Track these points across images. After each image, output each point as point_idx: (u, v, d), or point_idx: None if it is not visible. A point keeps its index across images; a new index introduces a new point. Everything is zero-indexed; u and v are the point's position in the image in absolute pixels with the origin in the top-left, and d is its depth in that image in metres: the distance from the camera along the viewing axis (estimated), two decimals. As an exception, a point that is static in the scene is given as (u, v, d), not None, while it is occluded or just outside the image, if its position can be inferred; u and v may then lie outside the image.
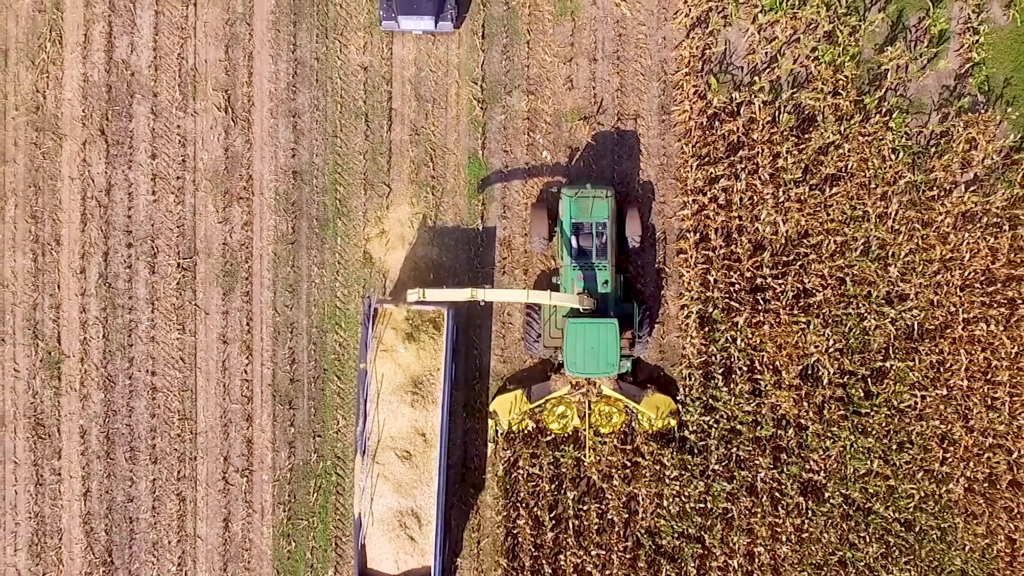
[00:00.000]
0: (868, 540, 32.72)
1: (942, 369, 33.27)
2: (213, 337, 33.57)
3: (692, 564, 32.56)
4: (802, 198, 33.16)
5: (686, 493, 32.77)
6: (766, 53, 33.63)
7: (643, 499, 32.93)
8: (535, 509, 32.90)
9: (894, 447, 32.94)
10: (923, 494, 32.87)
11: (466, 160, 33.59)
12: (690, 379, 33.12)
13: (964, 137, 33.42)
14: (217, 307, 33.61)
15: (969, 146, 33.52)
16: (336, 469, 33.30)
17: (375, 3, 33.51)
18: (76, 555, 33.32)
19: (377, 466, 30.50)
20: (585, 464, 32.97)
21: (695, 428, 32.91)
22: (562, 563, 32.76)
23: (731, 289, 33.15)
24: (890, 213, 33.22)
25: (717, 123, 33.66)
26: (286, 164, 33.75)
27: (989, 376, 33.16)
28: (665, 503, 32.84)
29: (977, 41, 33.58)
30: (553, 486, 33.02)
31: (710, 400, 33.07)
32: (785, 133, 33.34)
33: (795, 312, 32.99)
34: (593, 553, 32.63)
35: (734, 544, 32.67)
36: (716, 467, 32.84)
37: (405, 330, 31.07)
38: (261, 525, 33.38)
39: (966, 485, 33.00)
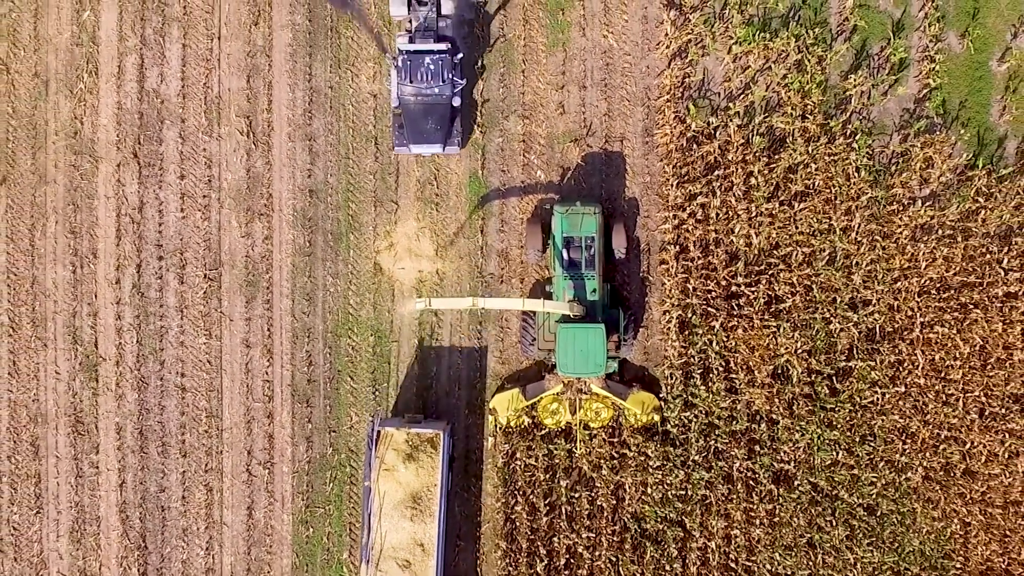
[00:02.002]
0: (834, 524, 33.44)
1: (901, 368, 33.73)
2: (237, 341, 34.20)
3: (674, 546, 33.40)
4: (773, 213, 33.64)
5: (668, 481, 33.44)
6: (740, 81, 34.03)
7: (629, 487, 33.55)
8: (531, 497, 33.62)
9: (857, 439, 33.56)
10: (884, 482, 33.54)
11: (467, 179, 34.24)
12: (672, 378, 33.64)
13: (922, 156, 33.80)
14: (240, 314, 34.24)
15: (926, 164, 33.94)
16: (350, 462, 33.99)
17: (388, 37, 33.91)
18: (113, 541, 34.18)
19: (380, 574, 31.50)
20: (576, 456, 33.61)
21: (676, 423, 33.51)
22: (556, 545, 33.55)
23: (708, 296, 33.68)
24: (853, 226, 33.56)
25: (696, 145, 33.96)
26: (303, 183, 34.25)
27: (944, 375, 33.68)
28: (649, 491, 33.47)
29: (934, 68, 33.88)
30: (547, 476, 33.70)
31: (690, 397, 33.61)
32: (757, 154, 33.71)
33: (766, 317, 33.54)
34: (584, 536, 33.47)
35: (712, 528, 33.46)
36: (696, 458, 33.44)
37: (405, 451, 31.70)
38: (282, 513, 34.13)
39: (923, 474, 33.65)
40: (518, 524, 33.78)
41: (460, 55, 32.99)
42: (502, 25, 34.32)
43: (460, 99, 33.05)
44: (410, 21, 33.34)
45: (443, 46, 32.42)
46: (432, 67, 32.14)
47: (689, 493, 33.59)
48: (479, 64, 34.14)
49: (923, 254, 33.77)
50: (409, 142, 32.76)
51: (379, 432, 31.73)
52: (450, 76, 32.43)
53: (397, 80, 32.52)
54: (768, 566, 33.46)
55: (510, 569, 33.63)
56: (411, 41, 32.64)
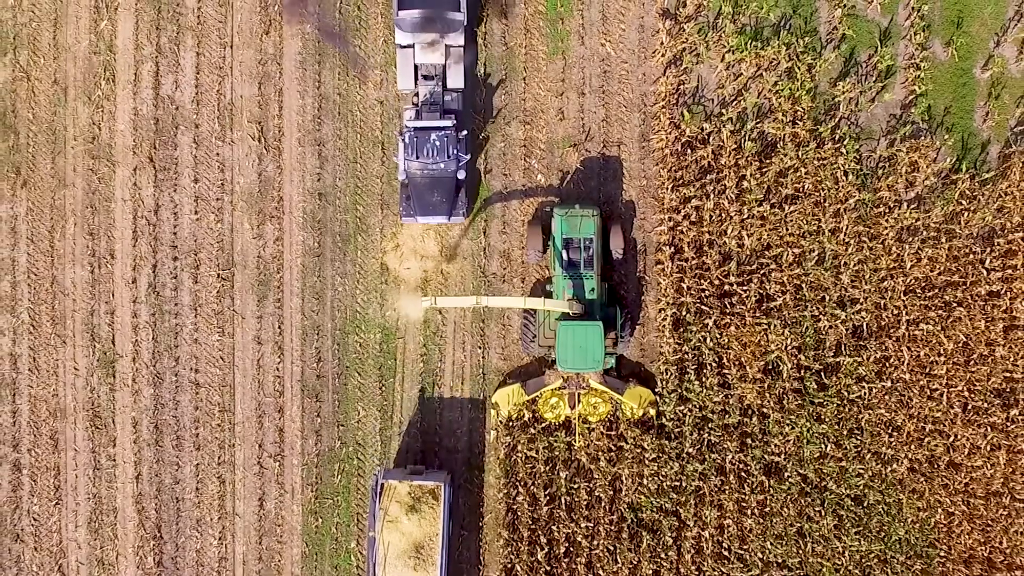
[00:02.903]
0: (823, 514, 33.79)
1: (887, 364, 33.98)
2: (249, 339, 34.62)
3: (669, 535, 33.81)
4: (764, 215, 33.99)
5: (664, 473, 33.82)
6: (733, 87, 34.34)
7: (626, 478, 33.91)
8: (532, 488, 34.04)
9: (845, 432, 33.86)
10: (871, 474, 33.87)
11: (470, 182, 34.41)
12: (667, 374, 33.94)
13: (907, 161, 34.08)
14: (252, 312, 34.65)
15: (912, 168, 34.22)
16: (357, 454, 34.41)
17: (390, 45, 34.27)
18: (129, 531, 34.57)
19: None
20: (575, 448, 34.03)
21: (671, 416, 33.83)
22: (556, 534, 33.97)
23: (702, 295, 34.04)
24: (842, 228, 33.89)
25: (690, 150, 34.27)
26: (312, 187, 34.61)
27: (928, 370, 34.01)
28: (645, 482, 33.82)
29: (920, 75, 34.13)
30: (548, 468, 34.12)
31: (684, 392, 33.90)
32: (749, 158, 34.01)
33: (758, 315, 33.92)
34: (583, 525, 33.89)
35: (706, 517, 33.84)
36: (690, 450, 33.79)
37: (407, 502, 32.23)
38: (292, 504, 34.52)
39: (909, 465, 33.93)
40: (519, 514, 34.13)
41: (464, 132, 33.10)
42: (504, 34, 34.74)
43: (464, 172, 33.23)
44: (416, 95, 33.51)
45: (448, 123, 32.53)
46: (438, 143, 32.18)
47: (683, 484, 33.90)
48: (482, 72, 34.54)
49: (908, 254, 34.06)
50: (416, 213, 33.09)
51: (383, 485, 32.15)
52: (455, 152, 32.47)
53: (404, 155, 32.62)
54: (760, 554, 33.87)
55: (512, 557, 34.02)
56: (418, 116, 32.93)
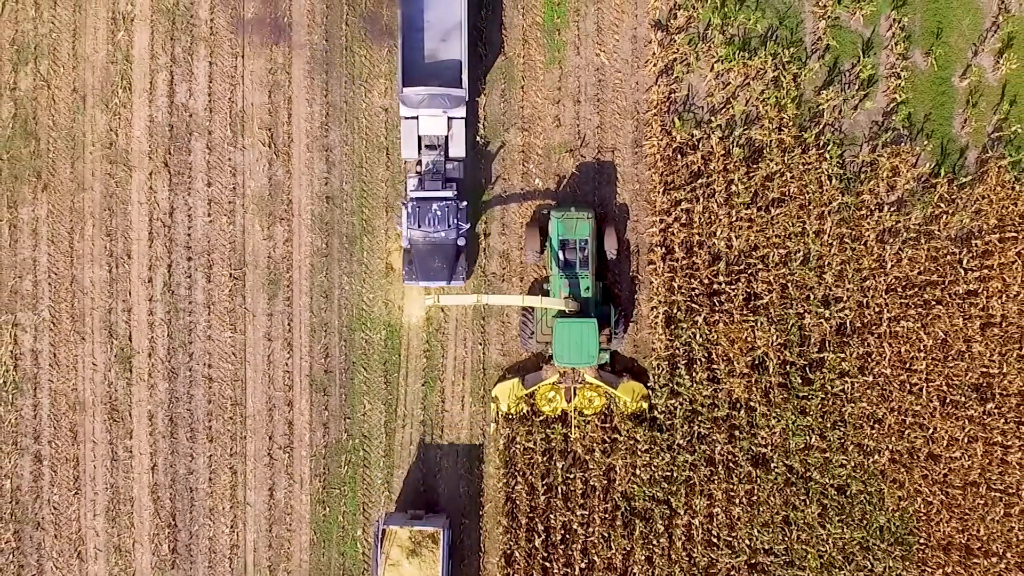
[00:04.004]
0: (807, 502, 34.04)
1: (869, 360, 34.18)
2: (260, 335, 34.93)
3: (661, 523, 34.07)
4: (751, 217, 34.31)
5: (655, 464, 34.06)
6: (722, 96, 34.70)
7: (620, 469, 34.12)
8: (530, 477, 34.35)
9: (829, 425, 34.10)
10: (853, 464, 34.05)
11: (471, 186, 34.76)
12: (659, 369, 34.22)
13: (889, 165, 34.40)
14: (263, 310, 34.96)
15: (893, 173, 34.51)
16: (363, 446, 34.75)
17: (394, 54, 34.45)
18: (145, 519, 34.84)
19: None
20: (571, 440, 34.28)
21: (663, 409, 34.12)
22: (552, 522, 34.24)
23: (692, 293, 34.31)
24: (825, 230, 34.20)
25: (681, 155, 34.52)
26: (320, 190, 34.94)
27: (909, 365, 34.24)
28: (638, 472, 34.05)
29: (900, 84, 34.50)
30: (545, 458, 34.37)
31: (675, 386, 34.19)
32: (737, 163, 34.29)
33: (745, 312, 34.21)
34: (578, 514, 34.19)
35: (696, 506, 34.13)
36: (680, 442, 34.06)
37: (408, 547, 32.63)
38: (301, 493, 34.83)
39: (890, 457, 34.17)
40: (518, 503, 34.44)
41: (465, 203, 33.48)
42: (503, 44, 35.26)
43: (465, 239, 33.58)
44: (419, 163, 34.00)
45: (449, 193, 33.07)
46: (439, 213, 32.70)
47: (675, 474, 34.19)
48: (483, 81, 34.97)
49: (889, 255, 34.44)
50: (418, 278, 33.49)
51: (384, 530, 32.57)
52: (455, 221, 32.95)
53: (407, 223, 33.15)
54: (747, 541, 34.13)
55: (511, 544, 34.30)
56: (420, 184, 33.44)
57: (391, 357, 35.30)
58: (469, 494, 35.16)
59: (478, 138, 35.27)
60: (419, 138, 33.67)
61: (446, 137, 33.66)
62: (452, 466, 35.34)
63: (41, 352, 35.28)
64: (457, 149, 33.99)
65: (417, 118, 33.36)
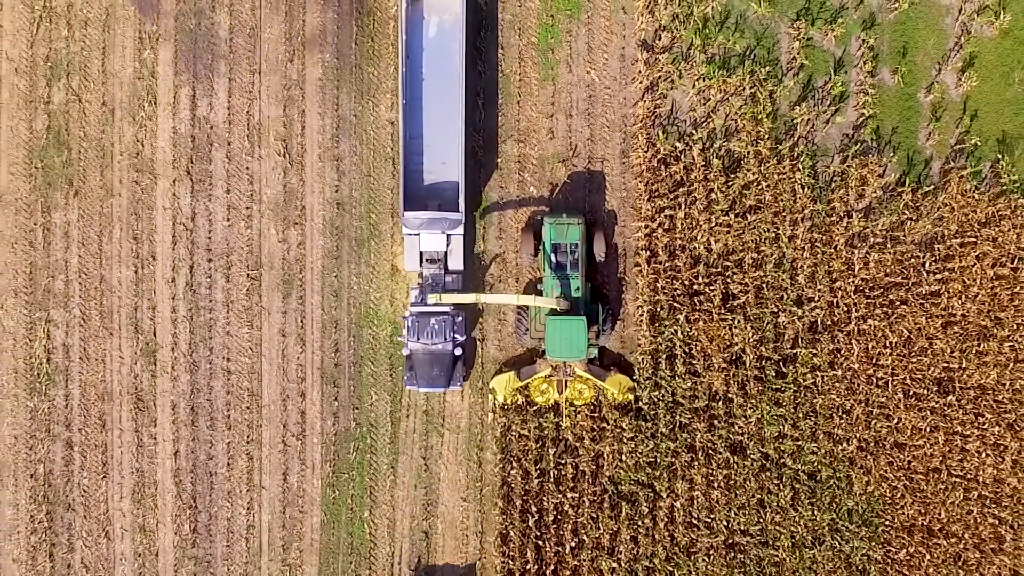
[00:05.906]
0: (781, 487, 34.60)
1: (839, 355, 34.74)
2: (275, 331, 35.43)
3: (645, 505, 34.60)
4: (729, 223, 34.80)
5: (640, 450, 34.60)
6: (703, 111, 35.23)
7: (607, 455, 34.66)
8: (524, 463, 34.86)
9: (801, 415, 34.68)
10: (824, 452, 34.65)
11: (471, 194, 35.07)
12: (643, 363, 34.73)
13: (857, 175, 34.94)
14: (278, 308, 35.49)
15: (861, 182, 35.07)
16: (370, 434, 35.20)
17: (400, 72, 34.18)
18: (168, 501, 35.50)
19: None
20: (563, 428, 34.87)
21: (647, 401, 34.65)
22: (545, 504, 34.82)
23: (674, 293, 34.81)
24: (798, 235, 34.78)
25: (664, 165, 35.02)
26: (331, 197, 35.44)
27: (875, 360, 34.84)
28: (624, 458, 34.54)
29: (869, 99, 35.08)
30: (538, 445, 34.91)
31: (659, 379, 34.71)
32: (717, 173, 34.79)
33: (723, 311, 34.76)
34: (569, 496, 34.79)
35: (678, 490, 34.66)
36: (664, 430, 34.58)
37: None
38: (312, 478, 35.34)
39: (858, 445, 34.76)
40: (513, 486, 34.98)
41: (461, 317, 34.13)
42: (500, 62, 35.90)
43: (462, 349, 34.24)
44: (420, 275, 34.55)
45: (446, 308, 33.74)
46: (437, 327, 33.38)
47: (658, 460, 34.70)
48: (481, 95, 35.66)
49: (857, 258, 34.99)
50: (419, 385, 34.10)
51: None
52: (452, 334, 33.68)
53: (407, 335, 33.84)
54: (725, 523, 34.73)
55: (506, 524, 34.88)
56: (421, 294, 34.00)
57: (396, 352, 35.85)
58: (470, 478, 35.68)
59: (477, 149, 35.80)
60: (420, 253, 34.26)
61: (445, 252, 34.18)
62: (452, 452, 35.89)
63: (72, 346, 35.87)
64: (456, 263, 34.46)
65: (419, 234, 34.02)
